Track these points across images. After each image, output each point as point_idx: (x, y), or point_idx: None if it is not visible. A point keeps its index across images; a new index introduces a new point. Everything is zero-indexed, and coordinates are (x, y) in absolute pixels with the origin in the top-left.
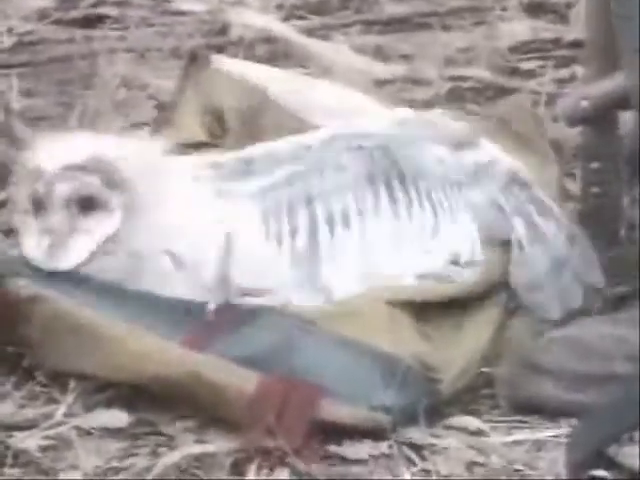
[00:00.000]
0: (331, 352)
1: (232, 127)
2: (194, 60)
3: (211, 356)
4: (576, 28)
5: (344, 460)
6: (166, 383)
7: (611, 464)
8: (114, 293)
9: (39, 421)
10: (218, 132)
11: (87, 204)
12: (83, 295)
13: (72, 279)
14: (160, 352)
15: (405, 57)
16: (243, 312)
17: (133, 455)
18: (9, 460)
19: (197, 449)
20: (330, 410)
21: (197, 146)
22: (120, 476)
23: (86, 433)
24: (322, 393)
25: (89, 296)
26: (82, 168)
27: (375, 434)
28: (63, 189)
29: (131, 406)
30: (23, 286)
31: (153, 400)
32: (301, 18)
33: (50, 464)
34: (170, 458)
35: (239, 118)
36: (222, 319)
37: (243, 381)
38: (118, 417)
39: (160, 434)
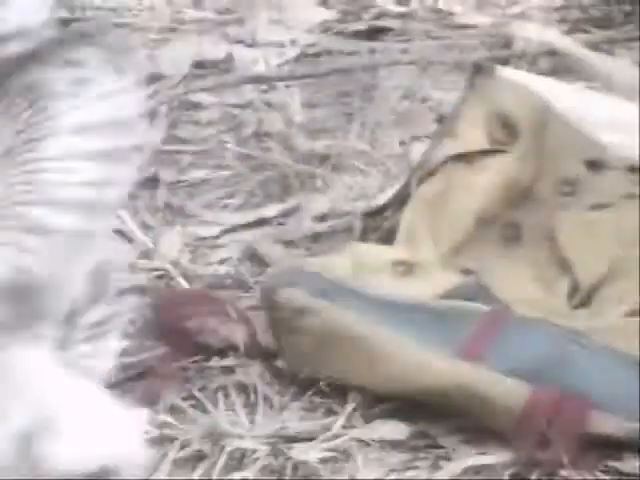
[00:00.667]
0: (602, 364)
1: (522, 133)
2: (478, 71)
3: (481, 367)
4: None
5: (621, 474)
6: (437, 396)
7: None
8: (386, 304)
9: (318, 433)
10: (504, 139)
11: None
12: (355, 307)
13: (346, 291)
14: (429, 364)
15: None
16: (513, 319)
17: (413, 468)
18: (288, 471)
19: (476, 461)
20: (600, 423)
21: (480, 154)
22: None
23: (365, 445)
24: (592, 405)
25: (361, 307)
26: None
27: None
28: None
29: (410, 418)
30: (293, 298)
31: (430, 412)
32: (584, 32)
33: (329, 476)
34: (450, 470)
35: (528, 125)
36: (493, 326)
37: (513, 393)
38: (398, 429)
39: (439, 447)
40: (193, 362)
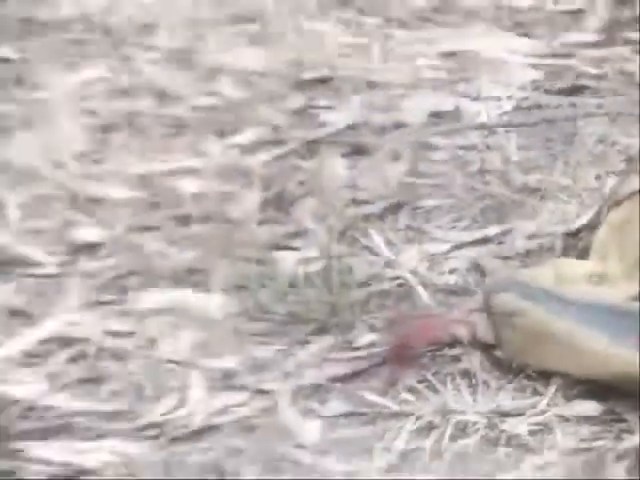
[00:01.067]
0: None
1: None
2: None
3: None
4: None
5: None
6: (625, 380)
7: None
8: (582, 306)
9: (526, 409)
10: None
11: None
12: (556, 308)
13: (550, 296)
14: (619, 355)
15: None
16: None
17: (601, 439)
18: (502, 441)
19: None
20: None
21: None
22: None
23: (565, 420)
24: None
25: (561, 309)
26: None
27: None
28: None
29: (601, 398)
30: (508, 301)
31: (619, 393)
32: None
33: (536, 445)
34: (631, 441)
35: None
36: None
37: None
38: (591, 407)
39: (623, 421)
40: (428, 352)
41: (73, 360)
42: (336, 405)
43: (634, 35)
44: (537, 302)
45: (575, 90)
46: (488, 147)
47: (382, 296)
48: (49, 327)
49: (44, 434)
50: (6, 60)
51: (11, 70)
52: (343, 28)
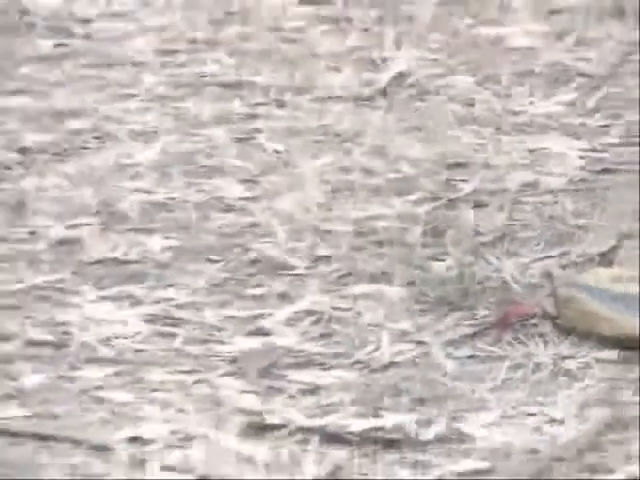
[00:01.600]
0: None
1: None
2: None
3: None
4: None
5: None
6: (633, 338)
7: None
8: (609, 295)
9: (575, 354)
10: None
11: None
12: (595, 296)
13: (591, 289)
14: (628, 321)
15: None
16: None
17: (619, 376)
18: (561, 373)
19: None
20: None
21: None
22: None
23: (598, 361)
24: None
25: (598, 296)
26: None
27: None
28: None
29: (622, 349)
30: (568, 292)
31: (631, 347)
32: None
33: (580, 375)
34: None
35: None
36: None
37: None
38: (614, 354)
39: (635, 363)
40: (520, 322)
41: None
42: (465, 351)
43: None
44: (584, 293)
45: None
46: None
47: (493, 289)
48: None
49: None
50: None
51: None
52: None
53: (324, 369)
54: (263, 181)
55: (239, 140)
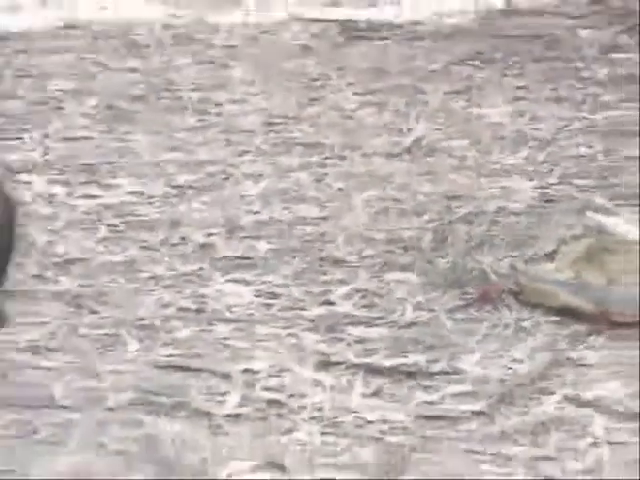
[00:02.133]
0: None
1: None
2: None
3: None
4: None
5: None
6: (575, 308)
7: None
8: (559, 282)
9: (527, 320)
10: None
11: None
12: (549, 281)
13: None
14: (574, 300)
15: None
16: None
17: (569, 334)
18: (522, 334)
19: None
20: None
21: None
22: None
23: (550, 322)
24: None
25: (551, 282)
26: None
27: None
28: None
29: (570, 318)
30: (525, 277)
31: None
32: None
33: (530, 331)
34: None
35: None
36: None
37: None
38: (561, 320)
39: (578, 323)
40: (495, 298)
41: None
42: (459, 315)
43: None
44: (536, 278)
45: None
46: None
47: (477, 276)
48: None
49: (351, 325)
50: None
51: None
52: None
53: (368, 326)
54: (330, 206)
55: (316, 180)
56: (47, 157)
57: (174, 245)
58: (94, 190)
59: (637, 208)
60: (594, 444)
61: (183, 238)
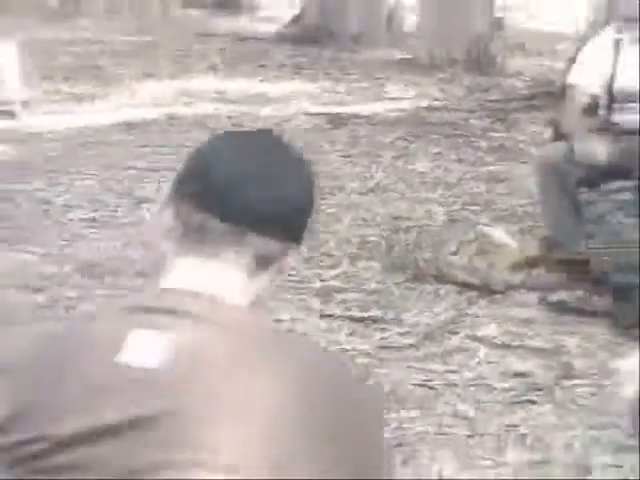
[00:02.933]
0: None
1: None
2: None
3: None
4: None
5: None
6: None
7: None
8: None
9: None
10: None
11: None
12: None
13: None
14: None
15: None
16: None
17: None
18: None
19: None
20: None
21: None
22: None
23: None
24: None
25: None
26: None
27: None
28: None
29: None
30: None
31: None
32: None
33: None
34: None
35: None
36: None
37: None
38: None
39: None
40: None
41: None
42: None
43: None
44: (447, 266)
45: None
46: None
47: (411, 264)
48: None
49: (339, 291)
50: None
51: None
52: None
53: (348, 294)
54: (325, 222)
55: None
56: None
57: None
58: None
59: (507, 225)
60: (479, 363)
61: None
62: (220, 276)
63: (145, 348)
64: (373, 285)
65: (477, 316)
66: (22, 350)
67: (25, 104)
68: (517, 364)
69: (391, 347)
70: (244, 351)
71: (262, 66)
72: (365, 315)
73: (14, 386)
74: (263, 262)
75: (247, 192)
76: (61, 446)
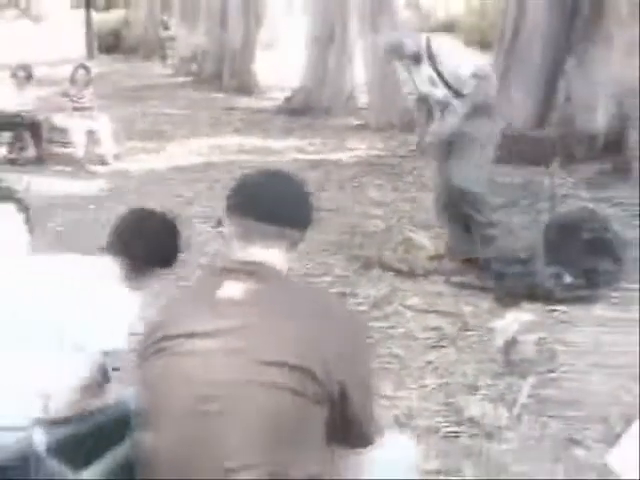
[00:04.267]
0: None
1: None
2: None
3: None
4: None
5: None
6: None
7: None
8: None
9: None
10: None
11: None
12: None
13: None
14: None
15: None
16: None
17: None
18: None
19: None
20: None
21: None
22: None
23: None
24: None
25: None
26: None
27: None
28: None
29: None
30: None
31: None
32: None
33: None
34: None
35: None
36: None
37: None
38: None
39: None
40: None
41: None
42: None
43: None
44: (387, 259)
45: None
46: None
47: (364, 258)
48: None
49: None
50: None
51: None
52: None
53: (320, 278)
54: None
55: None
56: None
57: None
58: None
59: (424, 232)
60: (407, 321)
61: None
62: (269, 253)
63: (231, 290)
64: (337, 271)
65: (406, 291)
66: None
67: (115, 155)
68: (432, 322)
69: None
70: (286, 293)
71: (267, 129)
72: (334, 290)
73: (158, 315)
74: (292, 244)
75: (273, 202)
76: (185, 337)
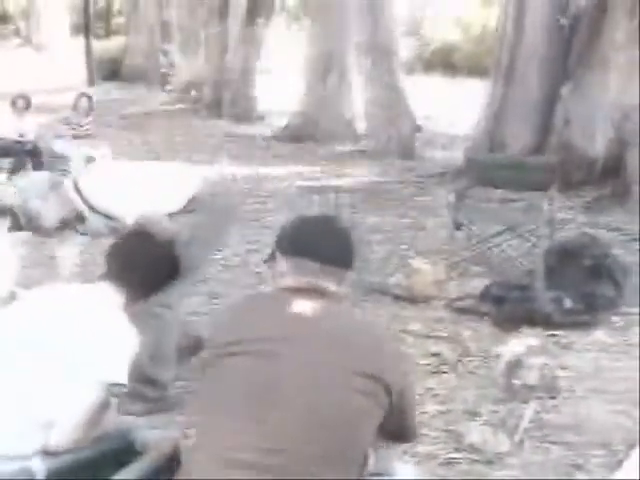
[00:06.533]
0: None
1: None
2: None
3: None
4: None
5: None
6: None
7: None
8: None
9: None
10: None
11: None
12: None
13: None
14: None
15: None
16: None
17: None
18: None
19: None
20: None
21: None
22: None
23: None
24: None
25: None
26: None
27: None
28: None
29: None
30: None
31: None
32: None
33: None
34: None
35: None
36: None
37: None
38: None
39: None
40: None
41: None
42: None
43: None
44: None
45: None
46: None
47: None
48: None
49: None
50: None
51: None
52: None
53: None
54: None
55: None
56: None
57: None
58: None
59: (424, 258)
60: (408, 347)
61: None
62: (325, 283)
63: (301, 306)
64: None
65: (406, 317)
66: (235, 305)
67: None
68: (433, 347)
69: None
70: (349, 313)
71: (266, 156)
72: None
73: (230, 321)
74: (339, 281)
75: (327, 245)
76: (250, 342)
